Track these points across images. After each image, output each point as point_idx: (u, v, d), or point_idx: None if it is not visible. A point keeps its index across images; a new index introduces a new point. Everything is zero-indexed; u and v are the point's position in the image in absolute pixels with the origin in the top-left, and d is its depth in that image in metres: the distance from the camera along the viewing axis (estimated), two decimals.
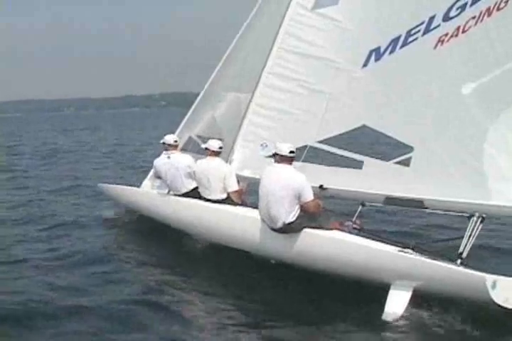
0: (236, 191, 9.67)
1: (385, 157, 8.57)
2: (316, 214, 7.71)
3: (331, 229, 7.69)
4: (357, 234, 7.78)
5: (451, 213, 7.76)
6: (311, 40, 9.76)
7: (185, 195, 10.12)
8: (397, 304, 6.75)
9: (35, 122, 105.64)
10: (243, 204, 9.64)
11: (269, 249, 8.05)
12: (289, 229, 7.62)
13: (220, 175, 9.58)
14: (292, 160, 7.88)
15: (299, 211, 7.65)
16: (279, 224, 7.62)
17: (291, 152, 7.81)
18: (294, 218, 7.60)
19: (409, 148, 8.31)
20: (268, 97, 10.05)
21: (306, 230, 7.58)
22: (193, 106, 11.46)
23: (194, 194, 9.96)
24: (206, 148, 9.94)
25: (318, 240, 7.50)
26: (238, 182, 9.85)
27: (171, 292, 7.92)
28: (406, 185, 8.12)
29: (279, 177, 7.71)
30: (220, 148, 9.88)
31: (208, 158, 9.86)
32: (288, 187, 7.56)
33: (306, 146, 9.32)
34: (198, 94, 11.65)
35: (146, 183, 11.60)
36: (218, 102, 11.26)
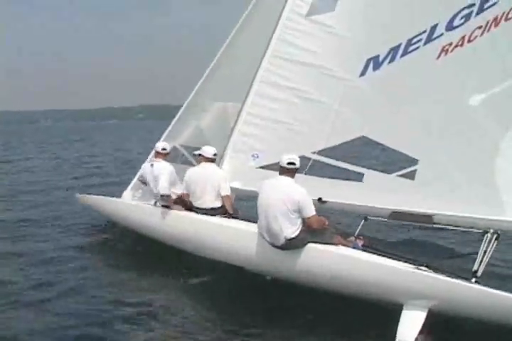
0: (229, 195, 9.13)
1: (386, 169, 8.10)
2: (319, 230, 7.15)
3: (336, 244, 7.14)
4: (364, 251, 7.23)
5: (461, 229, 7.28)
6: (305, 47, 9.31)
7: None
8: (411, 325, 6.27)
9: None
10: (234, 212, 9.13)
11: (271, 267, 7.50)
12: (292, 245, 7.08)
13: (216, 181, 9.06)
14: (294, 172, 7.33)
15: (301, 226, 7.10)
16: (281, 240, 7.07)
17: (290, 163, 7.26)
18: (297, 233, 7.06)
19: (413, 161, 7.87)
20: (260, 106, 9.53)
21: (311, 245, 7.06)
22: (177, 116, 10.88)
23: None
24: (200, 155, 9.35)
25: (325, 256, 6.98)
26: None
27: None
28: (411, 199, 7.67)
29: (278, 190, 7.18)
30: (215, 154, 9.33)
31: (202, 164, 9.30)
32: (287, 200, 7.03)
33: (301, 157, 8.79)
34: (177, 107, 11.05)
35: (127, 194, 10.90)
36: (203, 112, 10.71)
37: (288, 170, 7.24)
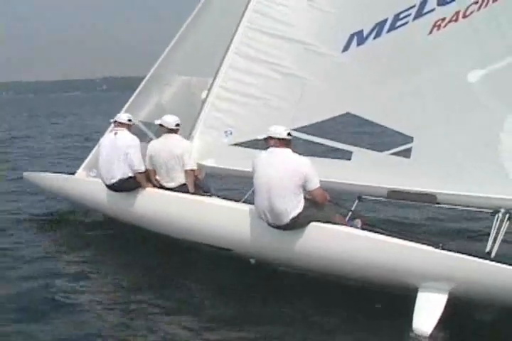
0: (193, 170, 8.29)
1: (377, 147, 7.55)
2: (322, 205, 6.50)
3: (339, 223, 6.50)
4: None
5: (467, 209, 6.81)
6: (283, 20, 8.65)
7: (113, 186, 8.47)
8: (429, 311, 5.70)
9: None
10: (207, 190, 8.38)
11: (269, 249, 6.79)
12: (296, 224, 6.39)
13: (180, 153, 8.21)
14: (290, 144, 6.68)
15: (303, 202, 6.40)
16: (285, 220, 6.34)
17: (289, 134, 6.66)
18: (301, 210, 6.35)
19: (407, 139, 7.33)
20: (234, 80, 8.78)
21: (315, 224, 6.40)
22: (138, 90, 9.93)
23: (127, 184, 8.36)
24: (160, 125, 8.50)
25: (333, 236, 6.35)
26: None
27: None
28: (408, 178, 7.13)
29: (282, 163, 6.46)
30: (177, 125, 8.48)
31: (164, 136, 8.45)
32: (294, 174, 6.35)
33: None
34: (142, 79, 10.05)
35: (81, 172, 9.86)
36: (166, 86, 9.82)
37: (287, 142, 6.63)
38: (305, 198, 6.47)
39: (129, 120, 8.80)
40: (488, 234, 6.28)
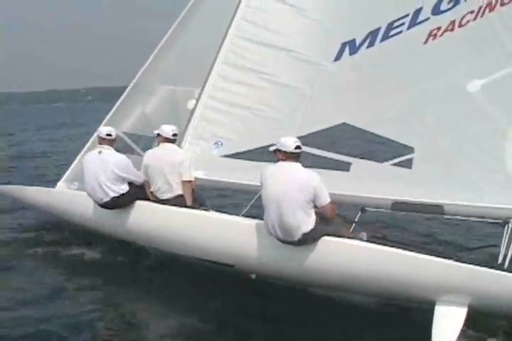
0: (191, 181, 7.79)
1: (377, 158, 7.31)
2: (332, 219, 6.22)
3: (349, 236, 6.25)
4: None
5: (476, 220, 6.64)
6: (272, 28, 8.41)
7: (106, 204, 7.94)
8: (449, 326, 5.46)
9: None
10: (202, 204, 7.95)
11: (279, 266, 6.42)
12: (308, 240, 6.08)
13: (176, 162, 7.72)
14: (299, 157, 6.33)
15: (314, 217, 6.11)
16: (297, 236, 6.03)
17: (297, 147, 6.28)
18: (313, 225, 6.06)
19: (408, 149, 7.13)
20: (223, 90, 8.48)
21: (327, 239, 6.10)
22: (120, 100, 9.49)
23: (121, 202, 7.87)
24: (158, 135, 7.99)
25: (347, 250, 6.05)
26: None
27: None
28: (411, 189, 6.93)
29: (292, 177, 6.12)
30: (175, 135, 7.99)
31: (161, 145, 7.98)
32: (304, 188, 6.02)
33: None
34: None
35: (61, 185, 9.36)
36: (149, 96, 9.42)
37: (296, 155, 6.27)
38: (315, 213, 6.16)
39: (108, 134, 8.17)
40: (495, 245, 6.11)
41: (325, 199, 6.10)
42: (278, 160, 6.34)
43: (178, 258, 7.43)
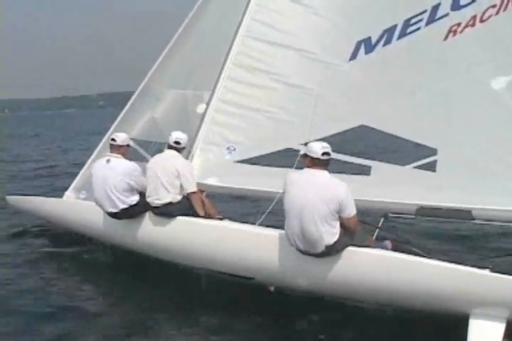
0: (195, 192, 7.27)
1: (398, 161, 6.86)
2: (355, 230, 5.77)
3: (373, 246, 5.82)
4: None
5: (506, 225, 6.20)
6: (284, 28, 8.00)
7: (115, 214, 7.52)
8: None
9: None
10: (215, 215, 7.44)
11: (301, 278, 5.99)
12: (331, 252, 5.65)
13: (172, 166, 7.19)
14: (328, 164, 5.85)
15: (339, 229, 5.67)
16: (320, 248, 5.60)
17: (325, 153, 5.77)
18: (337, 237, 5.62)
19: (431, 151, 6.70)
20: (234, 92, 8.05)
21: (353, 250, 5.68)
22: (128, 106, 9.08)
23: (131, 212, 7.45)
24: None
25: (375, 262, 5.63)
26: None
27: None
28: (434, 193, 6.51)
29: (316, 187, 5.64)
30: (176, 142, 7.41)
31: (165, 151, 7.53)
32: (330, 198, 5.56)
33: (288, 150, 7.45)
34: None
35: (69, 194, 8.95)
36: (157, 100, 8.99)
37: (323, 162, 5.77)
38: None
39: (122, 142, 7.79)
40: None
41: (350, 212, 5.67)
42: (306, 167, 5.89)
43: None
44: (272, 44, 7.91)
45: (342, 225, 5.67)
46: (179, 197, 7.19)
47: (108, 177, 7.46)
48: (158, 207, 7.15)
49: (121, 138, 7.78)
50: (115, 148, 7.74)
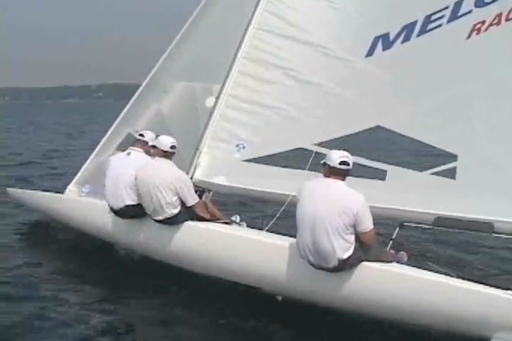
0: (198, 203, 6.68)
1: (415, 166, 6.42)
2: (372, 245, 5.34)
3: (390, 261, 5.39)
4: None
5: None
6: (298, 21, 7.56)
7: (120, 212, 7.04)
8: None
9: None
10: (215, 216, 6.89)
11: (313, 294, 5.55)
12: (344, 267, 5.22)
13: (170, 182, 6.49)
14: (346, 175, 5.37)
15: (354, 243, 5.22)
16: (332, 262, 5.17)
17: (343, 163, 5.29)
18: (351, 252, 5.18)
19: (451, 157, 6.24)
20: (244, 87, 7.61)
21: (368, 265, 5.24)
22: (134, 97, 8.63)
23: (135, 211, 6.92)
24: (153, 146, 6.89)
25: (391, 279, 5.19)
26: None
27: None
28: (453, 202, 6.05)
29: (331, 198, 5.18)
30: (173, 147, 6.82)
31: (156, 159, 6.85)
32: (344, 211, 5.10)
33: (300, 149, 7.02)
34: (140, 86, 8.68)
35: (71, 188, 8.53)
36: (164, 93, 8.50)
37: (340, 172, 5.31)
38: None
39: (141, 135, 7.39)
40: None
41: (367, 226, 5.21)
42: (324, 176, 5.42)
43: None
44: (286, 38, 7.48)
45: (357, 239, 5.21)
46: (178, 210, 6.56)
47: (122, 170, 7.04)
48: (158, 220, 6.66)
49: (149, 135, 7.34)
50: (140, 143, 7.31)
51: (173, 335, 5.47)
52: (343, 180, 5.30)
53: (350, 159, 5.34)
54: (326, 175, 5.33)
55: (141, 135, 7.37)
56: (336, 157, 5.28)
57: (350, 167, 5.33)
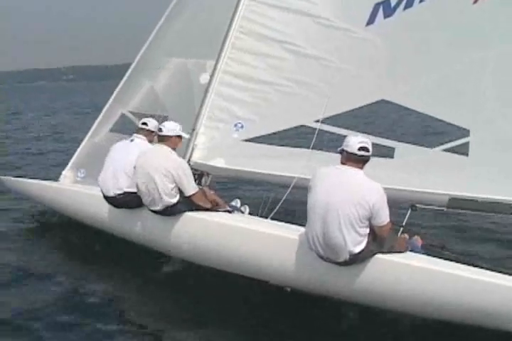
0: (196, 193, 6.08)
1: (425, 142, 5.93)
2: (386, 238, 4.89)
3: (403, 250, 4.95)
4: (428, 255, 5.08)
5: None
6: None
7: (112, 199, 6.58)
8: None
9: None
10: (217, 204, 6.38)
11: (324, 288, 5.12)
12: (356, 261, 4.78)
13: (168, 170, 5.95)
14: (365, 162, 4.87)
15: (367, 237, 4.77)
16: (343, 256, 4.74)
17: (362, 148, 4.79)
18: (364, 246, 4.74)
19: (462, 131, 5.75)
20: (239, 63, 7.08)
21: (381, 258, 4.81)
22: (126, 76, 8.11)
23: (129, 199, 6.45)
24: (160, 130, 6.23)
25: (407, 272, 4.75)
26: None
27: None
28: (468, 181, 5.60)
29: (348, 186, 4.71)
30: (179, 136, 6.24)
31: (156, 145, 6.32)
32: (360, 203, 4.62)
33: (302, 127, 6.54)
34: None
35: (66, 174, 8.07)
36: (157, 70, 7.95)
37: (359, 159, 4.80)
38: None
39: (144, 123, 6.84)
40: None
41: (384, 220, 4.74)
42: (341, 163, 4.90)
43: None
44: (280, 9, 6.93)
45: (371, 232, 4.77)
46: (176, 199, 6.05)
47: (121, 156, 6.58)
48: (155, 211, 6.19)
49: (152, 123, 6.82)
50: (144, 132, 6.81)
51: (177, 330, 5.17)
52: (362, 168, 4.81)
53: (370, 145, 4.84)
54: (343, 162, 4.83)
55: (144, 124, 6.83)
56: (354, 142, 4.78)
57: (370, 153, 4.83)
